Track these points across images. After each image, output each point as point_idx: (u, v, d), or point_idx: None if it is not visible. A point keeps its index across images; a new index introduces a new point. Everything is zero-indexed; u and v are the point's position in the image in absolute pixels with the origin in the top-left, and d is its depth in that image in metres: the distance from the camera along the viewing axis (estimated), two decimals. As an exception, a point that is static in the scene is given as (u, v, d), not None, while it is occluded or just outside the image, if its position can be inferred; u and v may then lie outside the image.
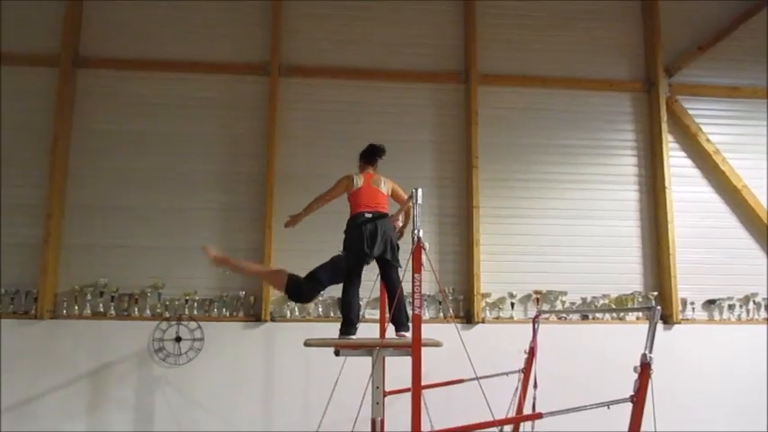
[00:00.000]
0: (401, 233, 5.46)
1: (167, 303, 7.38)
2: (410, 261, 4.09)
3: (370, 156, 5.33)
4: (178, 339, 7.21)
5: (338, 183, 5.30)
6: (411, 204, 5.17)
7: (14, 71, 7.66)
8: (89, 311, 7.25)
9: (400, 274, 4.87)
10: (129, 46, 7.88)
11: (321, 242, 7.22)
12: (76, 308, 7.26)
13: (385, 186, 5.19)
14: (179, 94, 7.87)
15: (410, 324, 4.80)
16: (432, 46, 8.30)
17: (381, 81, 8.06)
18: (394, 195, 5.28)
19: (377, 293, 5.82)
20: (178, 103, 7.85)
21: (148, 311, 7.34)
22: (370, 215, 4.97)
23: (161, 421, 7.03)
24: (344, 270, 5.09)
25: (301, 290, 5.45)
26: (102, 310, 7.27)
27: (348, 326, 4.92)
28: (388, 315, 4.94)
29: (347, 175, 5.30)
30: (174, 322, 7.25)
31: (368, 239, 4.89)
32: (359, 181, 5.19)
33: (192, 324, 7.26)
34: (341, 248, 5.15)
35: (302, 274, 7.33)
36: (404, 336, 4.81)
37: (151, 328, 7.20)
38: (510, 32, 8.36)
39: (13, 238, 7.34)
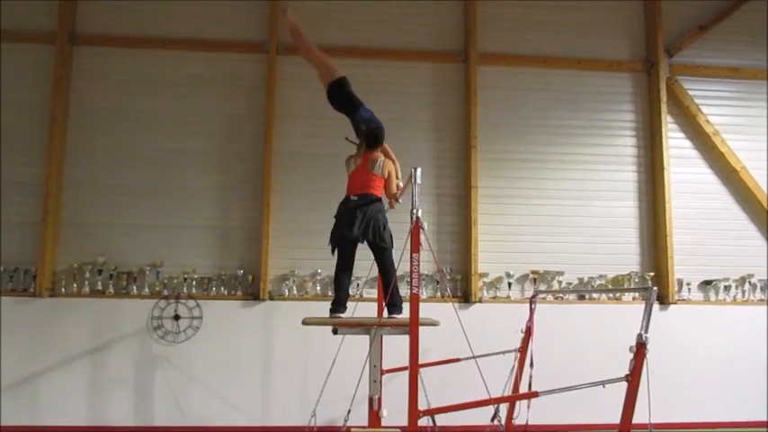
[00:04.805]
0: (391, 204, 5.27)
1: (166, 282, 7.40)
2: (408, 240, 4.10)
3: (367, 142, 5.10)
4: (177, 317, 7.24)
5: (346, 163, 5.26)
6: (396, 191, 5.12)
7: (10, 48, 7.57)
8: (88, 289, 7.27)
9: (398, 255, 4.87)
10: (126, 23, 7.79)
11: (319, 221, 7.22)
12: (75, 286, 7.28)
13: (380, 169, 5.04)
14: (177, 73, 7.82)
15: (402, 306, 4.86)
16: (431, 25, 8.23)
17: (380, 60, 8.00)
18: (386, 182, 5.11)
19: (375, 273, 5.82)
20: (176, 81, 7.80)
21: (147, 290, 7.37)
22: (355, 198, 4.95)
23: (160, 398, 7.10)
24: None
25: (340, 93, 5.21)
26: (100, 288, 7.30)
27: (335, 305, 4.98)
28: (385, 294, 4.96)
29: (348, 157, 5.24)
30: (172, 300, 7.27)
31: (346, 222, 4.90)
32: (353, 164, 5.13)
33: (191, 302, 7.29)
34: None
35: (302, 252, 7.48)
36: (395, 317, 4.86)
37: (150, 307, 7.24)
38: (510, 12, 8.28)
39: (12, 217, 7.33)
